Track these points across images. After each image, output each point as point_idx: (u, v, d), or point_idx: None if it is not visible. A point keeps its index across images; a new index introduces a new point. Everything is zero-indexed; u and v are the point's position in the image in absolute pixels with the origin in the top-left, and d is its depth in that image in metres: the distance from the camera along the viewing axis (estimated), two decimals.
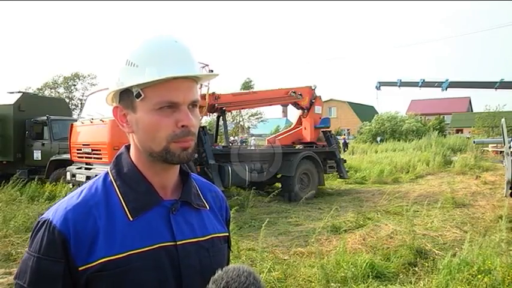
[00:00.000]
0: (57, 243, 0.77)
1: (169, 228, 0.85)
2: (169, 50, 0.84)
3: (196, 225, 0.91)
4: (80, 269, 0.77)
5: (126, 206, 0.84)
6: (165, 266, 0.82)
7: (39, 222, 0.81)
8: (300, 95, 10.00)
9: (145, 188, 0.86)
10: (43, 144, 10.13)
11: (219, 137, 11.07)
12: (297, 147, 10.31)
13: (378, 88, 32.42)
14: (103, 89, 7.75)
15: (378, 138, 30.35)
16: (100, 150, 7.03)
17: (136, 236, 0.81)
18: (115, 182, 0.87)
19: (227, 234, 1.00)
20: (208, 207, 0.97)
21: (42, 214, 0.84)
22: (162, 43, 0.84)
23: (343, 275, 3.79)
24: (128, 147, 0.93)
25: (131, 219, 0.83)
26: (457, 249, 4.55)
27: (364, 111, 44.96)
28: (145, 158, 0.87)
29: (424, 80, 28.83)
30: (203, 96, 7.71)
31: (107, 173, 0.90)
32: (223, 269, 0.77)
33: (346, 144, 25.63)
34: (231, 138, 23.32)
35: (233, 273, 0.75)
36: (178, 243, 0.85)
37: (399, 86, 30.49)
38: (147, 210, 0.84)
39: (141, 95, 0.81)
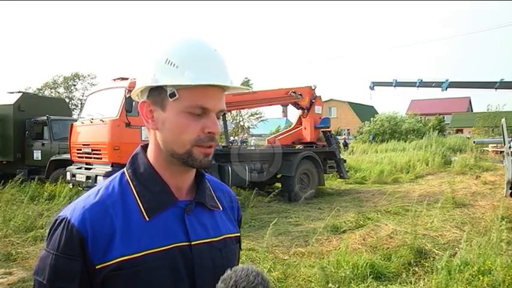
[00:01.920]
0: (75, 241, 0.78)
1: (183, 228, 0.87)
2: (209, 57, 0.86)
3: (210, 225, 0.92)
4: (97, 267, 0.78)
5: (142, 206, 0.85)
6: (179, 266, 0.84)
7: (56, 220, 0.83)
8: (300, 95, 10.00)
9: (161, 188, 0.87)
10: (43, 144, 10.13)
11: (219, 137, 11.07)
12: (297, 147, 10.31)
13: (371, 88, 32.34)
14: (103, 88, 7.76)
15: (371, 137, 30.56)
16: (100, 150, 7.02)
17: (152, 235, 0.83)
18: (131, 181, 0.88)
19: (239, 234, 1.02)
20: (221, 208, 0.98)
21: (59, 212, 0.85)
22: (204, 49, 0.86)
23: (343, 275, 3.79)
24: (143, 147, 0.93)
25: (147, 219, 0.84)
26: (457, 249, 4.55)
27: (364, 111, 44.90)
28: (164, 158, 0.88)
29: (421, 80, 28.73)
30: None
31: (123, 172, 0.91)
32: (232, 268, 0.79)
33: (346, 144, 25.63)
34: (231, 138, 23.31)
35: (242, 272, 0.77)
36: (192, 243, 0.86)
37: (395, 86, 30.37)
38: (163, 211, 0.86)
39: (175, 95, 0.82)
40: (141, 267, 0.80)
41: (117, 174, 0.91)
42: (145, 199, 0.85)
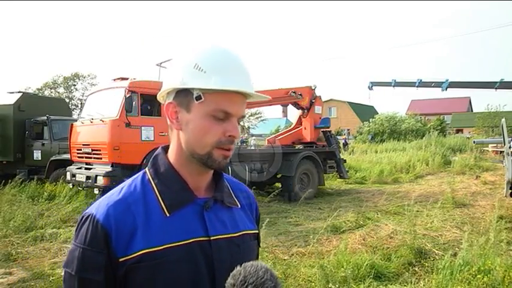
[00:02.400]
0: (100, 236, 0.84)
1: (203, 224, 0.91)
2: (236, 65, 0.92)
3: (228, 222, 0.96)
4: (120, 260, 0.83)
5: (163, 203, 0.90)
6: (198, 260, 0.88)
7: (83, 216, 0.88)
8: (300, 95, 10.01)
9: (181, 186, 0.92)
10: (43, 144, 10.13)
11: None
12: (297, 147, 10.32)
13: (370, 88, 32.25)
14: (103, 88, 7.77)
15: (369, 137, 30.61)
16: (100, 150, 7.02)
17: (172, 230, 0.87)
18: (152, 180, 0.93)
19: (257, 231, 1.06)
20: (239, 206, 1.02)
21: (86, 209, 0.91)
22: (231, 58, 0.92)
23: (343, 275, 3.79)
24: (164, 148, 0.99)
25: (167, 215, 0.88)
26: (457, 249, 4.55)
27: (364, 111, 44.87)
28: (185, 158, 0.93)
29: (421, 80, 28.63)
30: None
31: (145, 172, 0.96)
32: (242, 264, 0.81)
33: (346, 144, 25.62)
34: None
35: (251, 268, 0.78)
36: (211, 238, 0.90)
37: (393, 86, 30.26)
38: (182, 207, 0.90)
39: (201, 98, 0.87)
40: (161, 259, 0.84)
41: (139, 173, 0.97)
42: (165, 197, 0.90)
